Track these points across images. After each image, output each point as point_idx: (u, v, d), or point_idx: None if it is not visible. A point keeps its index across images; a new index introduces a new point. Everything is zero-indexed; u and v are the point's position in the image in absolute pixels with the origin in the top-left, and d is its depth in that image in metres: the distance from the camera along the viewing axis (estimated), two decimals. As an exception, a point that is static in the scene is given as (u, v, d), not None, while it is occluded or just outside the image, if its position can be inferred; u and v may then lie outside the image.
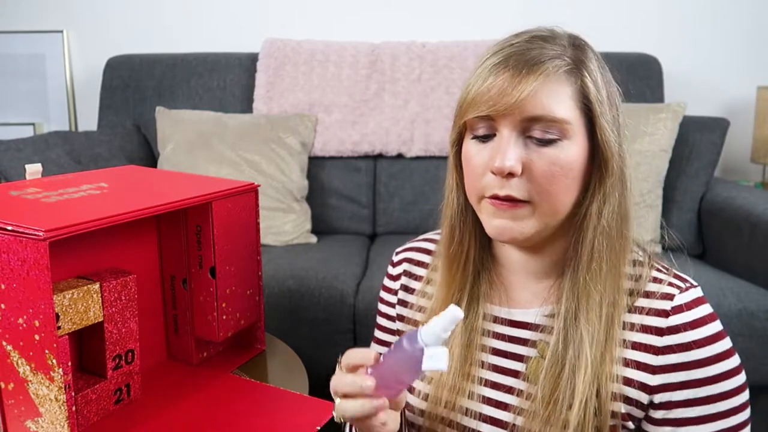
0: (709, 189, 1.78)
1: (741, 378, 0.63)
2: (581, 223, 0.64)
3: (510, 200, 0.62)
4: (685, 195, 1.77)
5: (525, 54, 0.61)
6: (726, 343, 0.63)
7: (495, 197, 0.62)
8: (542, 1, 2.15)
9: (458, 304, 0.67)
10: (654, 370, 0.62)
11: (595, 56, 0.65)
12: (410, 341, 0.54)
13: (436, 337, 0.54)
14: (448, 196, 0.72)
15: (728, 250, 1.62)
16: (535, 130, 0.61)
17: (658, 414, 0.63)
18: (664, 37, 2.16)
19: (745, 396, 0.63)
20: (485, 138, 0.63)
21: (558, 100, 0.60)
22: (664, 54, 2.03)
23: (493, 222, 0.64)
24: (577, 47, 0.64)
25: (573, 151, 0.61)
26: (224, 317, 0.83)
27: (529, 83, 0.59)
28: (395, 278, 0.82)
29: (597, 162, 0.63)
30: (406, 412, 0.74)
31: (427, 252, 0.81)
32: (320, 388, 0.92)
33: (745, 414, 0.63)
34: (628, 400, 0.63)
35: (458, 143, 0.68)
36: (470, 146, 0.65)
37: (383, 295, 0.84)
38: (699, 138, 1.78)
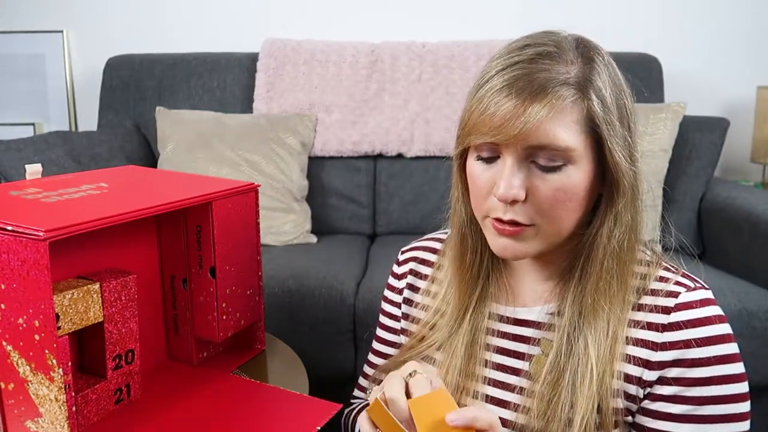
0: (709, 189, 1.78)
1: (740, 387, 0.61)
2: (591, 242, 0.64)
3: (513, 224, 0.62)
4: (685, 195, 1.77)
5: (530, 77, 0.58)
6: (730, 348, 0.61)
7: (498, 220, 0.62)
8: (542, 1, 2.15)
9: (468, 307, 0.69)
10: (651, 365, 0.62)
11: (605, 65, 0.62)
12: None
13: None
14: (455, 206, 0.72)
15: (728, 250, 1.62)
16: (540, 157, 0.60)
17: (643, 403, 0.63)
18: (664, 37, 2.15)
19: (742, 407, 0.61)
20: (489, 160, 0.63)
21: (563, 127, 0.58)
22: (664, 54, 2.03)
23: (496, 241, 0.64)
24: (586, 60, 0.61)
25: (578, 175, 0.60)
26: (224, 317, 0.83)
27: (534, 113, 0.57)
28: (401, 277, 0.82)
29: (607, 182, 0.63)
30: None
31: (434, 251, 0.81)
32: (320, 388, 0.92)
33: (741, 426, 0.61)
34: (627, 396, 0.63)
35: (461, 157, 0.67)
36: (474, 166, 0.64)
37: (387, 294, 0.84)
38: (699, 138, 1.78)
